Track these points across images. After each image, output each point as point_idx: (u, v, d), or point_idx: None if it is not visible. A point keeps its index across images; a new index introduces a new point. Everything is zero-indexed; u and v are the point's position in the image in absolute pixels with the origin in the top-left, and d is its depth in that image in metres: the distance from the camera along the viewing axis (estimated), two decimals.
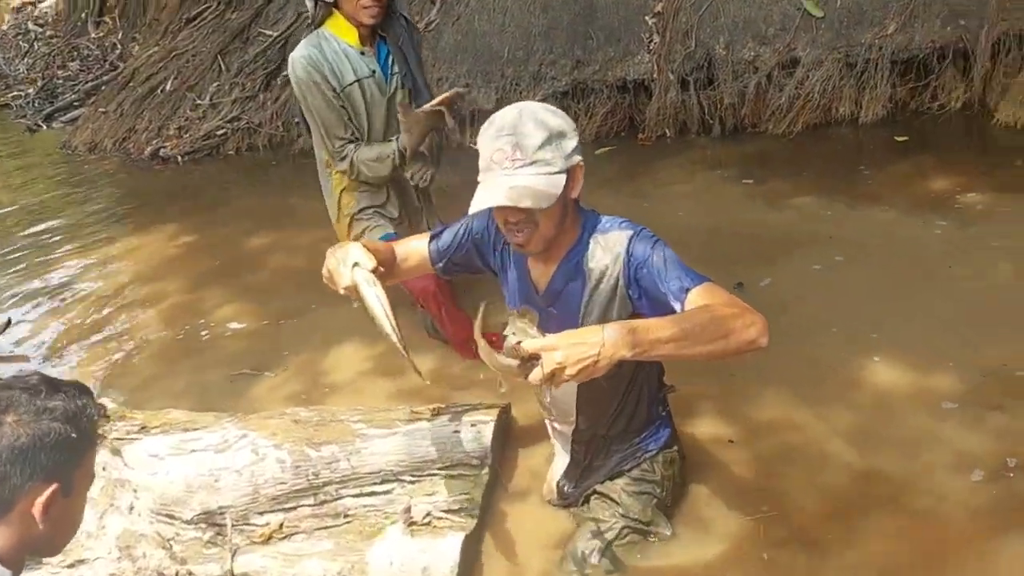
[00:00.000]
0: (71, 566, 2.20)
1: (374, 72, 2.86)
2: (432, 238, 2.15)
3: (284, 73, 5.57)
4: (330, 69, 2.77)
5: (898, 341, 2.76)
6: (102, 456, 2.30)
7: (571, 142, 1.77)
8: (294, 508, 2.27)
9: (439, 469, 2.32)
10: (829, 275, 3.26)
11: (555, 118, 1.77)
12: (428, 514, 2.23)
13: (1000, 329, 2.76)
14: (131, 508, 2.22)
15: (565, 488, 2.25)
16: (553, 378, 1.52)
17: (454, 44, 5.30)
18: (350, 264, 1.85)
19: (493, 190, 1.73)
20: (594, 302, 1.89)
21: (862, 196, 3.84)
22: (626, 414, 2.09)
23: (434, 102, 2.76)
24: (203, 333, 3.75)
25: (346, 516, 2.27)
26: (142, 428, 2.48)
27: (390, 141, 2.87)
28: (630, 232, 1.85)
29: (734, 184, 4.20)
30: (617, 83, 4.81)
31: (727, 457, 2.42)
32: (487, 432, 2.35)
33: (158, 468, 2.29)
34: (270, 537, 2.22)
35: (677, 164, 4.54)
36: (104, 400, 2.60)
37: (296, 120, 5.61)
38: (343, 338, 3.45)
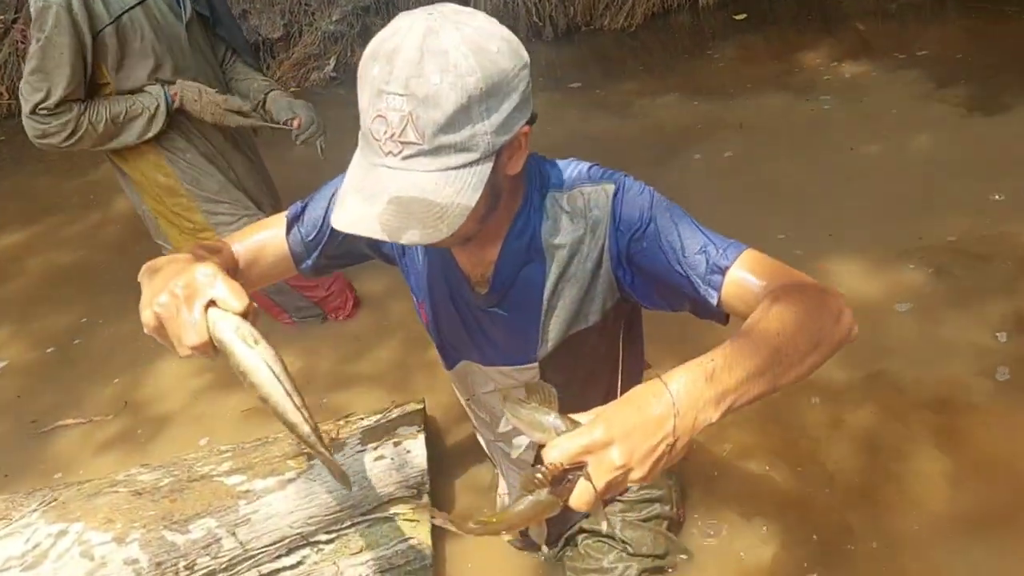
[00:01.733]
0: None
1: None
2: (290, 225, 1.38)
3: None
4: None
5: (844, 240, 2.44)
6: None
7: (508, 100, 1.07)
8: None
9: (362, 515, 1.69)
10: (727, 174, 2.89)
11: (487, 59, 1.04)
12: None
13: (935, 203, 2.52)
14: None
15: (530, 530, 1.62)
16: (612, 490, 0.89)
17: None
18: (200, 304, 1.05)
19: (364, 200, 1.06)
20: (562, 294, 1.29)
21: (721, 83, 3.51)
22: None
23: (248, 119, 2.22)
24: None
25: None
26: None
27: (152, 92, 2.12)
28: (610, 186, 1.24)
29: (584, 91, 3.73)
30: None
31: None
32: (418, 447, 1.75)
33: None
34: None
35: None
36: None
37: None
38: (156, 351, 2.63)
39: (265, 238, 1.37)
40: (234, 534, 1.61)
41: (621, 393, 1.06)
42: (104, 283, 3.06)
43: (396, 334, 2.52)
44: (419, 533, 1.69)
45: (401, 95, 1.02)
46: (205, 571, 1.58)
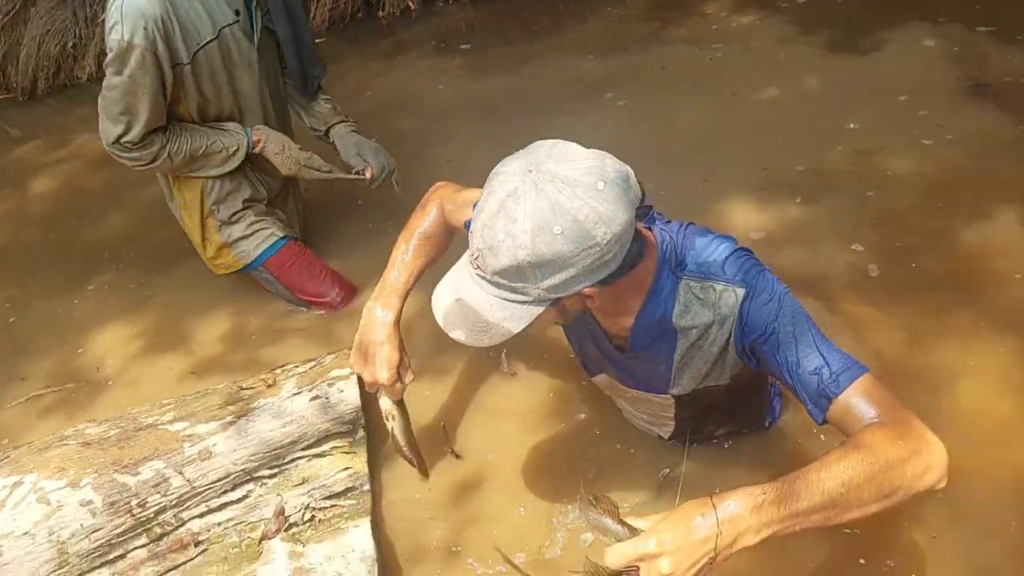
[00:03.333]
0: None
1: (238, 15, 2.11)
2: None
3: None
4: (180, 28, 1.98)
5: (719, 178, 2.66)
6: None
7: (564, 272, 1.18)
8: (123, 556, 1.69)
9: (302, 451, 1.83)
10: (623, 123, 3.07)
11: (543, 240, 1.15)
12: (308, 507, 1.76)
13: (801, 135, 2.81)
14: None
15: None
16: None
17: None
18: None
19: (447, 289, 1.30)
20: (691, 362, 1.46)
21: (619, 38, 3.68)
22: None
23: (328, 175, 2.35)
24: None
25: (198, 544, 1.73)
26: None
27: (234, 131, 2.22)
28: (741, 290, 1.33)
29: (475, 53, 3.86)
30: None
31: None
32: (350, 387, 1.90)
33: None
34: None
35: (414, 39, 4.08)
36: None
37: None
38: (93, 322, 2.71)
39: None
40: (181, 473, 1.74)
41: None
42: (33, 263, 3.10)
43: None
44: (356, 463, 1.84)
45: (480, 233, 1.21)
46: (156, 507, 1.71)
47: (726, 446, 1.81)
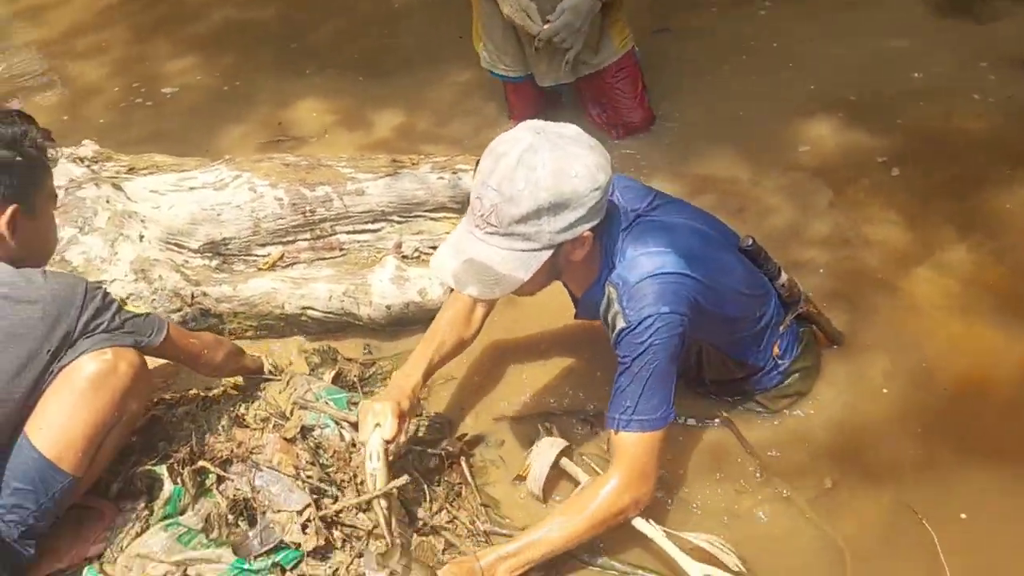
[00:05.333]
0: None
1: None
2: None
3: None
4: None
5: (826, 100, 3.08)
6: (104, 191, 2.43)
7: (574, 212, 1.48)
8: (292, 241, 2.50)
9: (425, 211, 2.56)
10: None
11: (564, 181, 1.45)
12: (416, 250, 2.50)
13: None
14: (141, 237, 2.39)
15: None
16: None
17: None
18: (371, 424, 1.70)
19: (451, 254, 1.55)
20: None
21: None
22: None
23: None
24: (158, 86, 3.75)
25: (341, 250, 2.52)
26: (130, 169, 2.60)
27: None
28: (623, 324, 1.61)
29: None
30: None
31: None
32: (467, 179, 2.58)
33: (161, 202, 2.45)
34: (273, 265, 2.45)
35: None
36: (87, 142, 2.67)
37: None
38: (304, 94, 3.54)
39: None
40: (342, 199, 2.50)
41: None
42: (267, 39, 3.94)
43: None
44: None
45: (495, 189, 1.45)
46: (320, 217, 2.49)
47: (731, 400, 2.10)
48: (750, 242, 1.86)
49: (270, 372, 2.15)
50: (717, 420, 2.04)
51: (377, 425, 1.68)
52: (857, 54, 3.25)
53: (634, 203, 1.73)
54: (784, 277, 1.95)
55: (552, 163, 1.44)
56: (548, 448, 1.92)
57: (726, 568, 1.68)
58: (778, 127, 2.98)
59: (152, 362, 1.86)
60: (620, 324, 1.60)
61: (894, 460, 1.94)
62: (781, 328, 1.95)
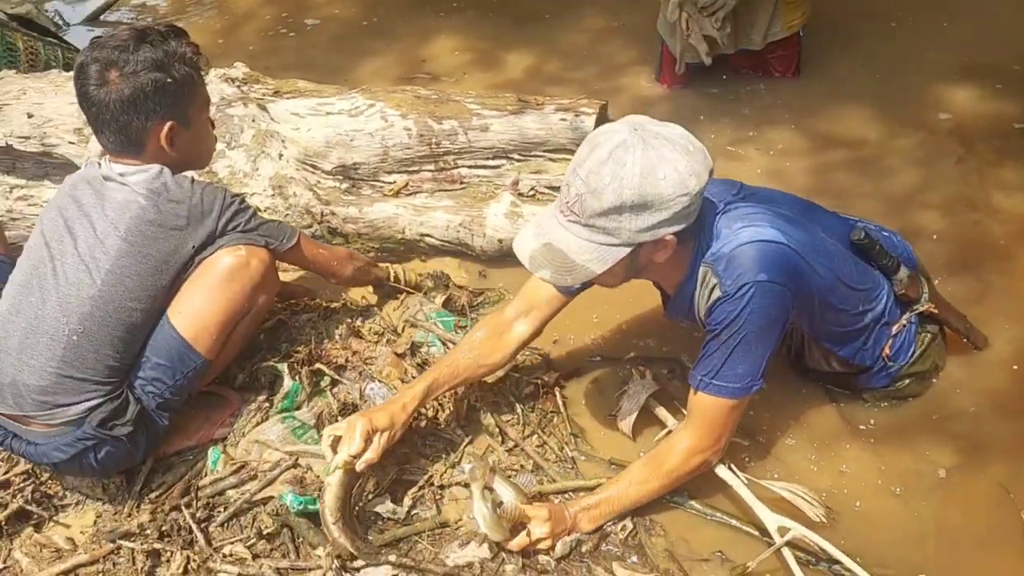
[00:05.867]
0: None
1: None
2: None
3: None
4: None
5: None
6: (251, 110, 2.61)
7: (657, 214, 1.45)
8: (417, 171, 2.62)
9: (544, 151, 2.62)
10: None
11: (650, 182, 1.42)
12: (532, 188, 2.57)
13: None
14: (280, 156, 2.57)
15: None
16: (531, 546, 1.67)
17: None
18: (328, 438, 1.69)
19: (534, 235, 1.55)
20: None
21: None
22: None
23: None
24: (303, 18, 3.95)
25: (461, 183, 2.62)
26: (275, 92, 2.77)
27: None
28: (718, 291, 1.58)
29: None
30: None
31: None
32: (589, 123, 2.62)
33: (300, 125, 2.61)
34: (398, 193, 2.58)
35: None
36: (238, 64, 2.85)
37: None
38: (441, 32, 3.63)
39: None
40: (467, 134, 2.59)
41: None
42: None
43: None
44: None
45: (582, 179, 1.45)
46: (444, 150, 2.59)
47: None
48: (862, 235, 1.79)
49: (395, 283, 2.27)
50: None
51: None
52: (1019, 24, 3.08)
53: (724, 195, 1.68)
54: (903, 273, 1.85)
55: (642, 162, 1.42)
56: (640, 390, 1.98)
57: (807, 519, 1.70)
58: (919, 92, 2.90)
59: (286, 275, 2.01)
60: (716, 294, 1.58)
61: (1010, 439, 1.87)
62: (894, 328, 1.86)
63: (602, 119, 2.75)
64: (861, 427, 1.95)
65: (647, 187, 1.42)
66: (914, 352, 1.91)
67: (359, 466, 1.64)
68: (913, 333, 1.91)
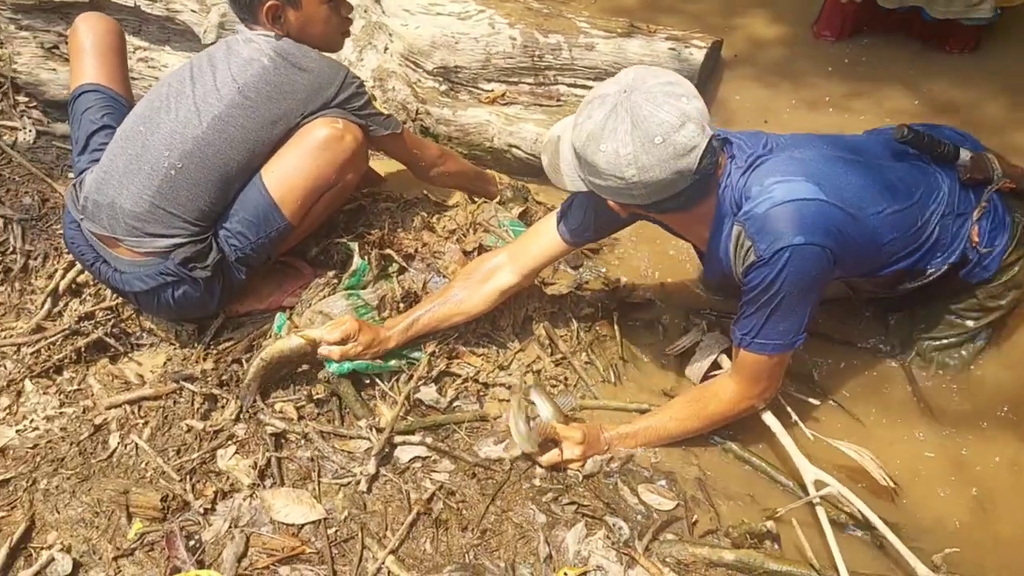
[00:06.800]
0: None
1: None
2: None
3: None
4: None
5: None
6: (365, 1, 2.64)
7: (596, 179, 1.49)
8: (516, 83, 2.61)
9: None
10: None
11: (591, 148, 1.45)
12: None
13: None
14: (385, 49, 2.60)
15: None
16: (566, 463, 1.72)
17: None
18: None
19: (565, 124, 1.59)
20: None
21: None
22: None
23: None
24: None
25: (559, 100, 2.60)
26: None
27: None
28: (753, 257, 1.54)
29: None
30: None
31: None
32: (699, 56, 2.55)
33: (409, 21, 2.63)
34: (494, 101, 2.59)
35: None
36: None
37: None
38: None
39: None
40: (571, 51, 2.56)
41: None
42: None
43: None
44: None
45: (575, 115, 1.52)
46: (546, 64, 2.57)
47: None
48: (905, 131, 1.71)
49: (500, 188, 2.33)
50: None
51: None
52: None
53: (751, 148, 1.62)
54: (965, 156, 1.76)
55: (597, 124, 1.43)
56: (714, 344, 1.95)
57: (872, 481, 1.69)
58: None
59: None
60: (751, 258, 1.54)
61: None
62: (975, 214, 1.76)
63: (713, 56, 2.68)
64: (935, 408, 1.90)
65: (587, 149, 1.45)
66: (1008, 236, 1.80)
67: (321, 350, 1.77)
68: (1002, 213, 1.80)
